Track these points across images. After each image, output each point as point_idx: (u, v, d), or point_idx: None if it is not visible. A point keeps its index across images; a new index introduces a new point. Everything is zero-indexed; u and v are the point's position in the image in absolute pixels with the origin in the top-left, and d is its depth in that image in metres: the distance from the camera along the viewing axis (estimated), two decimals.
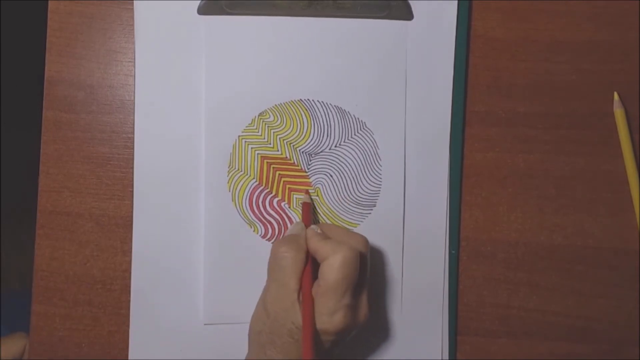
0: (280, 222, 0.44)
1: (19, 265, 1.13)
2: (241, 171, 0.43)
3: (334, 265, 0.36)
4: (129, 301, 0.43)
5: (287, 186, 0.44)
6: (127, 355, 0.43)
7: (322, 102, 0.44)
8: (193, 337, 0.43)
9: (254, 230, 0.43)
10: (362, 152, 0.44)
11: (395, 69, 0.44)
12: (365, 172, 0.44)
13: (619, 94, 0.45)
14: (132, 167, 0.43)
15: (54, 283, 0.44)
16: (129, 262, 0.43)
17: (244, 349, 0.40)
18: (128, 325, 0.43)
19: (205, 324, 0.43)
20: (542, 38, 0.45)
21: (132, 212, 0.43)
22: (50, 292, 0.44)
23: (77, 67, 0.44)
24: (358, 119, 0.44)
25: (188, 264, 0.43)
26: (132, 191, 0.43)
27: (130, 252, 0.43)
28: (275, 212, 0.44)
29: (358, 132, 0.44)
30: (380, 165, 0.44)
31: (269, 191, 0.43)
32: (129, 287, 0.43)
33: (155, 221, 0.43)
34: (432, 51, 0.44)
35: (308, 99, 0.44)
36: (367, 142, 0.44)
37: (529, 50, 0.45)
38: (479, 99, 0.45)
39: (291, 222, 0.44)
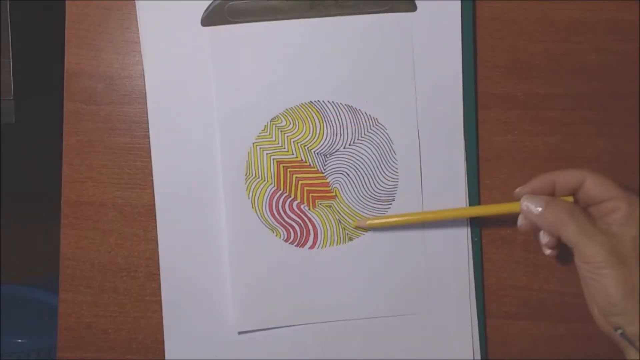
0: (302, 224, 0.44)
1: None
2: (258, 178, 0.44)
3: None
4: (154, 288, 0.44)
5: (306, 188, 0.44)
6: (152, 340, 0.44)
7: (333, 102, 0.44)
8: (228, 347, 0.44)
9: (276, 235, 0.44)
10: (376, 148, 0.44)
11: (402, 61, 0.44)
12: (381, 167, 0.44)
13: None
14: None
15: (79, 271, 0.45)
16: (153, 250, 0.44)
17: (280, 355, 0.43)
18: (153, 312, 0.44)
19: (239, 333, 0.44)
20: (561, 18, 0.45)
21: (153, 200, 0.44)
22: (77, 280, 0.45)
23: (96, 58, 0.44)
24: (370, 115, 0.44)
25: (215, 274, 0.44)
26: (153, 180, 0.44)
27: (154, 240, 0.44)
28: (296, 215, 0.44)
29: (371, 129, 0.44)
30: (396, 160, 0.44)
31: (288, 195, 0.44)
32: (153, 274, 0.44)
33: (178, 236, 0.44)
34: (439, 40, 0.44)
35: (318, 100, 0.44)
36: (381, 138, 0.44)
37: (547, 30, 0.45)
38: (498, 82, 0.45)
39: (312, 224, 0.44)
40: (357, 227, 0.44)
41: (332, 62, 0.44)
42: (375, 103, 0.44)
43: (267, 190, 0.44)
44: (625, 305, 0.36)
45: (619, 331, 0.37)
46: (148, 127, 0.44)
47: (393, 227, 0.44)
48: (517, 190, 0.40)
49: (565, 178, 0.39)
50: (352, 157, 0.44)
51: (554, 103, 0.45)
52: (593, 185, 0.38)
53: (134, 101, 0.44)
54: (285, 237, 0.44)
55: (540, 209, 0.38)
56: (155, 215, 0.44)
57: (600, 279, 0.36)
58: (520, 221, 0.41)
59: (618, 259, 0.36)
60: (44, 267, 1.13)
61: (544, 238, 0.41)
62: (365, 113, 0.44)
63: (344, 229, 0.44)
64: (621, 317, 0.36)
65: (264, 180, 0.44)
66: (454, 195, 0.44)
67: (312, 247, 0.44)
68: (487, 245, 0.45)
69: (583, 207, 0.39)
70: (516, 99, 0.45)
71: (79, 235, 0.45)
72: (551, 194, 0.40)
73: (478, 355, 0.45)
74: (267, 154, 0.44)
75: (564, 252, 0.42)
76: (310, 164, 0.44)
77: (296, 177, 0.44)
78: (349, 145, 0.44)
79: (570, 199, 0.40)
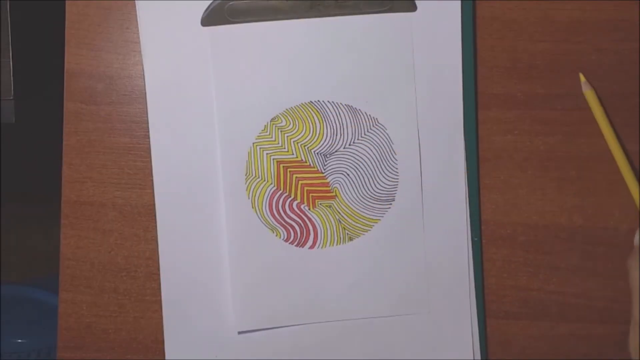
0: (302, 224, 0.44)
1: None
2: (258, 178, 0.44)
3: None
4: (154, 288, 0.44)
5: (306, 188, 0.44)
6: (152, 340, 0.44)
7: (333, 102, 0.44)
8: (228, 347, 0.44)
9: (276, 235, 0.44)
10: (376, 148, 0.44)
11: (402, 61, 0.44)
12: (381, 167, 0.44)
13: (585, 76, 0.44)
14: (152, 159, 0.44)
15: (80, 271, 0.45)
16: (153, 250, 0.44)
17: (280, 355, 0.43)
18: (153, 311, 0.44)
19: (239, 333, 0.44)
20: (561, 18, 0.45)
21: (153, 200, 0.44)
22: (77, 280, 0.45)
23: (96, 58, 0.44)
24: (370, 115, 0.44)
25: (215, 274, 0.44)
26: (153, 180, 0.44)
27: (154, 240, 0.44)
28: (296, 215, 0.44)
29: (371, 129, 0.44)
30: (396, 160, 0.44)
31: (288, 195, 0.44)
32: (153, 274, 0.44)
33: (178, 236, 0.44)
34: (439, 40, 0.44)
35: (318, 100, 0.44)
36: (381, 138, 0.44)
37: (547, 30, 0.45)
38: (497, 82, 0.45)
39: (312, 224, 0.44)
40: None
41: (332, 62, 0.44)
42: (375, 103, 0.44)
43: (267, 190, 0.44)
44: None
45: None
46: (148, 127, 0.44)
47: (392, 227, 0.44)
48: None
49: None
50: (352, 157, 0.44)
51: (554, 103, 0.45)
52: None
53: (134, 101, 0.44)
54: (285, 237, 0.44)
55: None
56: (155, 215, 0.44)
57: None
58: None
59: None
60: (44, 267, 1.13)
61: None
62: (365, 113, 0.44)
63: (344, 229, 0.44)
64: None
65: (264, 180, 0.44)
66: (454, 195, 0.44)
67: (312, 247, 0.44)
68: (487, 245, 0.45)
69: None
70: (516, 99, 0.45)
71: (79, 235, 0.45)
72: None
73: (478, 355, 0.45)
74: (267, 154, 0.44)
75: None
76: (310, 164, 0.44)
77: (296, 177, 0.44)
78: (349, 145, 0.44)
79: None
